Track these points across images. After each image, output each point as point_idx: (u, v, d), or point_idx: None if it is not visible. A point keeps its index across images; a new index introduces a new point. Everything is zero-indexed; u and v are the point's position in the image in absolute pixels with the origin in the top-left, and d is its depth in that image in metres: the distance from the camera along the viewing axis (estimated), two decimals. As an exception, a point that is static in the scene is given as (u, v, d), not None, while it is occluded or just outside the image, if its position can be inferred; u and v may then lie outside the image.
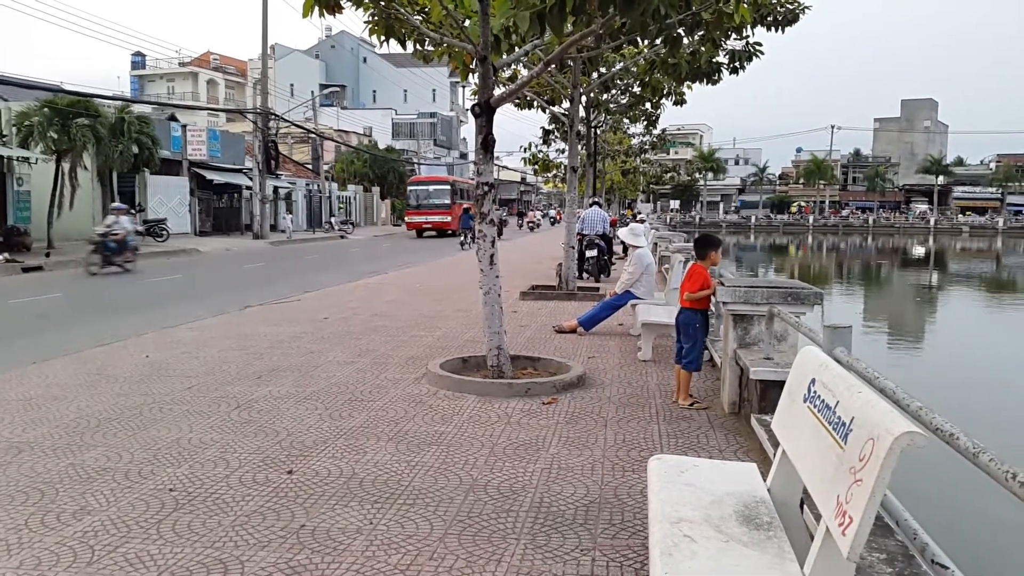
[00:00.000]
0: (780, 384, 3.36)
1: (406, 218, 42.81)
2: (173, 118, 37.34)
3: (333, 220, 43.43)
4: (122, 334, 9.39)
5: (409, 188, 43.84)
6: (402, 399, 6.27)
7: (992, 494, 2.09)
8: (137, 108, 31.52)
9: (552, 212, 71.89)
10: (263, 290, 14.60)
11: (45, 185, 23.95)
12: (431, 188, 41.43)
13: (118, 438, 5.18)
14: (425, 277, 17.52)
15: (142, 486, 4.29)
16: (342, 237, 38.67)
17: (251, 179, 35.88)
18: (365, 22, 7.44)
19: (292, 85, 65.97)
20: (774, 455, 3.22)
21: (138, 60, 72.90)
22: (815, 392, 2.73)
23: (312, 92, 54.30)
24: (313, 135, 46.09)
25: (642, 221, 24.27)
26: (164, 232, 28.85)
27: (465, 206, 32.71)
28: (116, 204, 20.97)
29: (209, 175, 35.09)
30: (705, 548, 2.48)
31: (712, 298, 6.17)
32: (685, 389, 6.17)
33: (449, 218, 39.45)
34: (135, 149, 25.98)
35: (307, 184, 46.99)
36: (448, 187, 41.55)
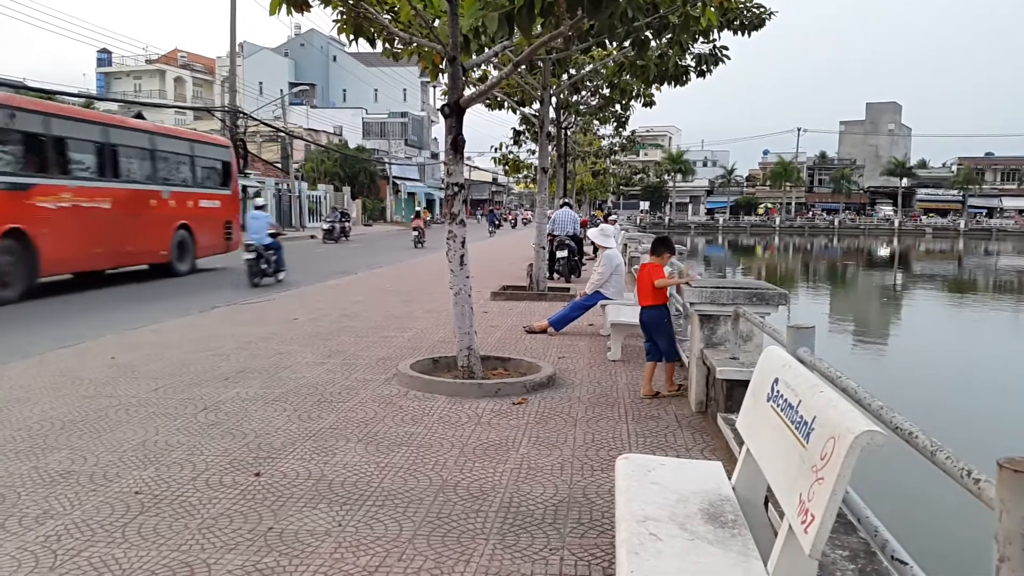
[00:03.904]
0: (745, 383, 3.40)
1: None
2: (140, 116, 36.75)
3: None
4: (86, 336, 9.24)
5: None
6: (372, 400, 6.25)
7: (951, 490, 2.14)
8: (103, 106, 31.04)
9: None
10: (231, 292, 14.45)
11: (6, 183, 23.46)
12: None
13: (83, 440, 5.11)
14: (394, 278, 17.46)
15: (107, 489, 4.24)
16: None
17: (218, 178, 35.17)
18: (334, 20, 7.38)
19: (261, 83, 65.30)
20: (739, 454, 3.26)
21: (104, 57, 71.67)
22: (778, 391, 2.77)
23: (281, 90, 53.85)
24: (282, 134, 45.65)
25: (614, 222, 24.36)
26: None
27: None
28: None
29: (176, 174, 34.37)
30: (671, 546, 2.51)
31: (679, 296, 6.35)
32: (670, 378, 6.60)
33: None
34: (100, 147, 25.54)
35: (276, 183, 46.57)
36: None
